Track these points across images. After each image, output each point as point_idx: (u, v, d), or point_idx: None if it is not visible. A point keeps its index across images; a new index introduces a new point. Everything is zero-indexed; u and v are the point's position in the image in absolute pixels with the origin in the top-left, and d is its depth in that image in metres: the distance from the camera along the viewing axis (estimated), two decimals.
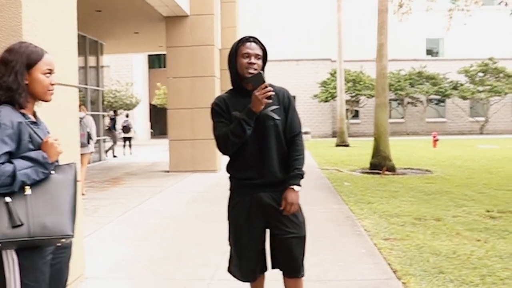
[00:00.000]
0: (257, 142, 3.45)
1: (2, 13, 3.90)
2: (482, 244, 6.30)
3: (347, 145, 28.01)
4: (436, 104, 43.81)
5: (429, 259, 5.60)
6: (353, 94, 40.49)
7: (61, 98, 4.29)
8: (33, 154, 2.52)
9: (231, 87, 3.65)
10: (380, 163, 14.79)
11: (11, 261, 2.50)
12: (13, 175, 2.42)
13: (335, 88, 35.18)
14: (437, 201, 9.56)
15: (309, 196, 9.57)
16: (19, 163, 2.46)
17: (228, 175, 3.65)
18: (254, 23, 39.90)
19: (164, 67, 21.88)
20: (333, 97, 37.67)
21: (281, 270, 3.63)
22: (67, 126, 4.63)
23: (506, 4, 13.70)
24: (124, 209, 9.26)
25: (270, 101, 3.36)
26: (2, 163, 2.41)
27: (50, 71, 2.68)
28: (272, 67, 41.93)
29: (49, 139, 2.60)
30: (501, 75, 41.34)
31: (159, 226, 7.92)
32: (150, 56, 44.99)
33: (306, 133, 33.01)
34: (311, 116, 42.60)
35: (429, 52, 45.53)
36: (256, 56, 3.47)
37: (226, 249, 5.58)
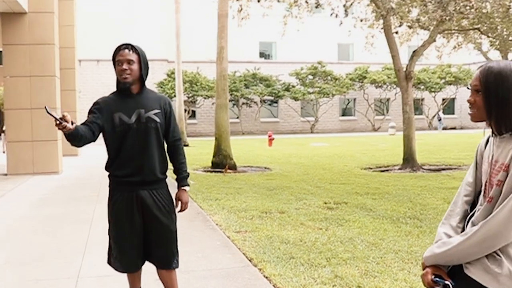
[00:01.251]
0: (139, 142, 3.69)
1: None
2: (324, 231, 6.96)
3: (186, 145, 28.37)
4: (270, 104, 45.72)
5: (280, 247, 6.11)
6: (190, 95, 40.99)
7: None
8: None
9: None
10: (221, 162, 15.32)
11: None
12: None
13: (172, 88, 35.48)
14: (279, 195, 10.23)
15: None
16: None
17: (107, 173, 3.83)
18: (92, 22, 38.95)
19: None
20: (171, 97, 37.90)
21: (154, 263, 3.89)
22: None
23: (336, 16, 14.82)
24: None
25: (65, 130, 3.34)
26: None
27: None
28: (109, 66, 41.29)
29: None
30: (329, 77, 44.25)
31: (13, 228, 7.71)
32: None
33: None
34: None
35: (262, 55, 47.30)
36: (128, 61, 3.68)
37: (86, 249, 5.73)
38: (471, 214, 2.34)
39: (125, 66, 3.66)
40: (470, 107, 2.29)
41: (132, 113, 3.70)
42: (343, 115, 48.32)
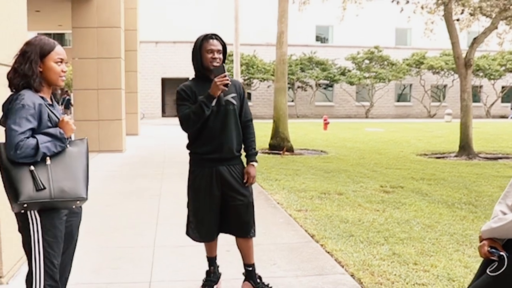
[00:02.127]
0: (219, 122, 4.11)
1: None
2: (381, 213, 7.27)
3: None
4: (325, 88, 45.71)
5: (339, 226, 6.47)
6: (246, 78, 41.42)
7: None
8: (51, 130, 3.04)
9: (192, 74, 4.24)
10: (279, 144, 15.70)
11: (35, 219, 3.02)
12: (36, 147, 2.92)
13: (229, 71, 35.86)
14: (336, 178, 10.55)
15: None
16: (41, 137, 2.96)
17: (188, 151, 4.26)
18: (152, 4, 39.72)
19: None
20: None
21: (233, 233, 4.31)
22: None
23: (398, 3, 14.93)
24: None
25: (226, 89, 4.00)
26: (27, 138, 2.91)
27: (62, 60, 3.17)
28: (167, 48, 42.08)
29: (65, 118, 3.14)
30: (385, 63, 43.91)
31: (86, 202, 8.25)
32: (40, 34, 43.59)
33: None
34: None
35: (318, 38, 47.23)
36: (218, 51, 4.12)
37: (158, 221, 6.23)
38: None
39: (216, 55, 4.08)
40: None
41: None
42: (398, 101, 47.88)
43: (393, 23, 44.84)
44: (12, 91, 3.07)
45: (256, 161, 4.28)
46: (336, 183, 9.91)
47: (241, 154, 4.30)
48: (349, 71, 43.66)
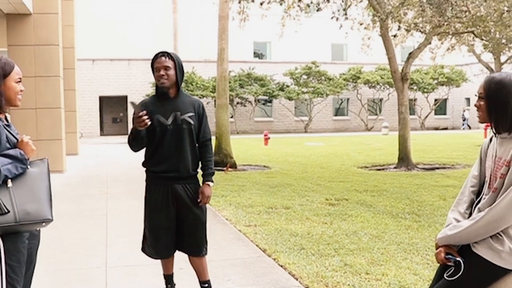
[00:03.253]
0: (174, 141, 4.11)
1: None
2: (329, 225, 7.40)
3: None
4: (264, 104, 46.07)
5: (290, 239, 6.54)
6: None
7: None
8: (12, 152, 2.95)
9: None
10: (222, 160, 15.71)
11: None
12: None
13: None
14: (282, 192, 10.65)
15: None
16: (1, 160, 2.87)
17: (144, 169, 4.25)
18: (87, 21, 39.18)
19: None
20: None
21: (186, 252, 4.32)
22: None
23: (337, 19, 15.30)
24: None
25: (143, 128, 3.97)
26: None
27: (20, 80, 3.12)
28: (104, 66, 41.54)
29: (24, 138, 3.06)
30: (323, 78, 44.64)
31: None
32: None
33: None
34: None
35: (256, 54, 47.64)
36: (165, 68, 4.09)
37: (107, 241, 6.16)
38: (476, 202, 2.82)
39: (162, 72, 4.07)
40: (477, 111, 2.79)
41: (169, 115, 4.12)
42: (336, 115, 48.75)
43: (330, 39, 45.71)
44: None
45: (212, 181, 4.31)
46: (282, 197, 10.00)
47: (197, 173, 4.31)
48: (288, 86, 44.13)
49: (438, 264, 2.87)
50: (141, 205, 4.38)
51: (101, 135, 42.29)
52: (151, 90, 41.70)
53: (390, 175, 13.59)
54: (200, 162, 4.34)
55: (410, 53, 15.73)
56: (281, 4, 16.24)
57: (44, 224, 3.04)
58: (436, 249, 2.83)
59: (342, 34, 19.54)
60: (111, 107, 44.16)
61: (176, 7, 29.08)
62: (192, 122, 4.19)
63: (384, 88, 45.70)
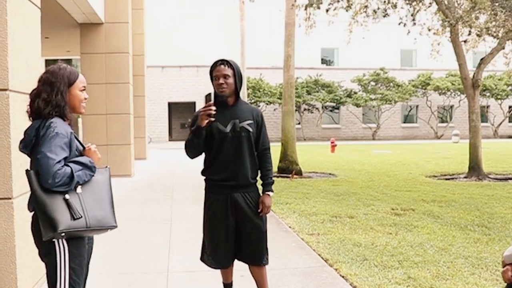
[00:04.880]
0: (233, 149, 4.08)
1: None
2: (394, 236, 7.22)
3: None
4: (331, 111, 45.79)
5: (353, 249, 6.42)
6: (253, 101, 41.54)
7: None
8: (82, 159, 3.06)
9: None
10: (288, 167, 15.67)
11: (63, 247, 3.03)
12: (71, 176, 2.94)
13: None
14: (347, 201, 10.51)
15: None
16: (74, 166, 2.98)
17: (204, 177, 4.25)
18: (159, 29, 40.01)
19: None
20: None
21: (246, 260, 4.28)
22: None
23: (404, 25, 15.03)
24: None
25: (211, 119, 3.95)
26: (63, 166, 2.92)
27: (84, 88, 3.21)
28: (173, 72, 42.27)
29: (92, 147, 3.17)
30: (391, 84, 44.00)
31: None
32: (48, 60, 43.94)
33: None
34: None
35: (324, 61, 47.45)
36: (224, 76, 4.07)
37: (170, 246, 6.20)
38: None
39: (221, 80, 4.05)
40: None
41: (228, 123, 4.09)
42: (405, 122, 47.88)
43: (398, 45, 45.09)
44: (32, 119, 3.09)
45: (272, 191, 4.24)
46: (346, 206, 9.87)
47: (256, 181, 4.26)
48: (355, 93, 43.74)
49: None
50: None
51: (169, 140, 43.07)
52: None
53: (460, 185, 13.19)
54: (259, 171, 4.29)
55: (481, 59, 15.26)
56: (347, 11, 16.05)
57: (109, 230, 3.14)
58: (503, 267, 2.68)
59: (411, 39, 19.19)
60: (179, 113, 44.97)
61: (244, 14, 29.18)
62: (250, 129, 4.14)
63: (455, 95, 44.62)
